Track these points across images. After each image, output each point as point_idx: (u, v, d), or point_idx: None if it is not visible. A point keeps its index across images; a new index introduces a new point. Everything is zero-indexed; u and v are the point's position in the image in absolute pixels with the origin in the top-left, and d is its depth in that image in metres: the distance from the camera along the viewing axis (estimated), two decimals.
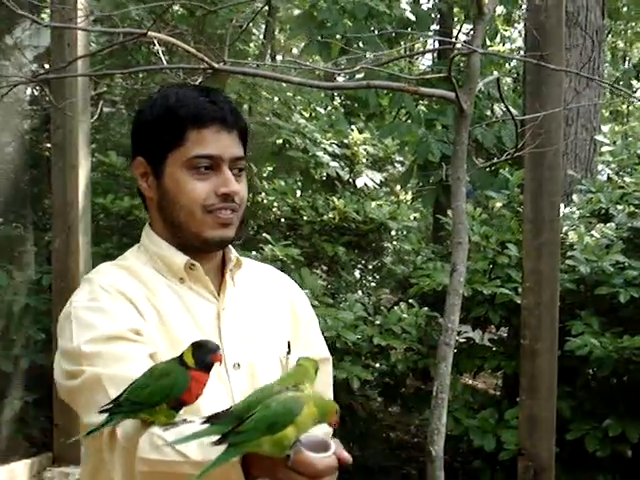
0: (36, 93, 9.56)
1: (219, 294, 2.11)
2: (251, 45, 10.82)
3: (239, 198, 2.07)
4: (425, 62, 14.39)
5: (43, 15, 8.18)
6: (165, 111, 2.07)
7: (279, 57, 13.75)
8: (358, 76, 7.71)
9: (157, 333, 1.99)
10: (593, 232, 6.31)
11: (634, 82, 14.22)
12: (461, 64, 7.81)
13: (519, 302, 5.42)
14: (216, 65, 4.02)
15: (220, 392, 2.00)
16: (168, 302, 2.05)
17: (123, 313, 1.97)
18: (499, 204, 7.24)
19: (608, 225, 6.38)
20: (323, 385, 2.12)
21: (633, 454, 5.76)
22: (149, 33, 3.90)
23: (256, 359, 2.08)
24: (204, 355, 1.75)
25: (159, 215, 2.12)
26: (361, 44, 8.55)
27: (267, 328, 2.14)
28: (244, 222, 2.18)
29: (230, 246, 2.17)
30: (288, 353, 2.14)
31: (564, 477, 5.54)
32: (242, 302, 2.14)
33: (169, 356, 1.89)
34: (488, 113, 8.67)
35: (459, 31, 8.76)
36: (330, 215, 7.57)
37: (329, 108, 9.48)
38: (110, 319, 1.95)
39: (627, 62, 18.67)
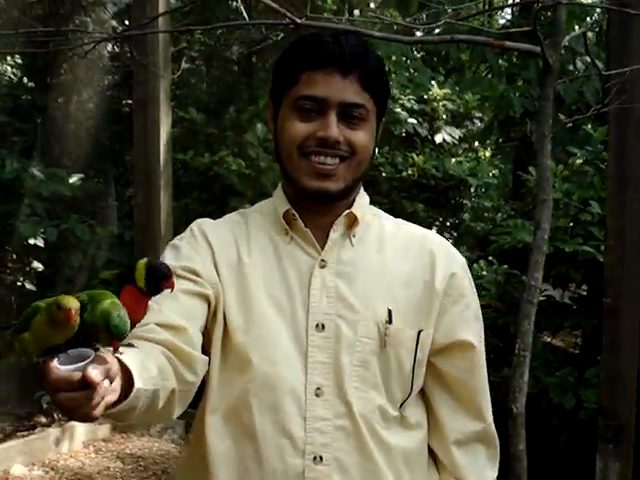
0: (117, 50, 9.65)
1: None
2: (328, 1, 10.79)
3: (349, 145, 1.91)
4: (504, 16, 14.17)
5: None
6: (287, 51, 2.00)
7: (356, 12, 13.65)
8: (437, 31, 7.62)
9: (230, 279, 1.95)
10: None
11: None
12: (543, 18, 7.68)
13: (601, 260, 5.35)
14: (299, 20, 4.01)
15: (292, 352, 1.91)
16: (259, 251, 1.99)
17: (189, 253, 1.96)
18: (580, 161, 7.13)
19: None
20: (461, 371, 2.02)
21: None
22: None
23: (346, 323, 1.92)
24: (157, 279, 1.69)
25: (277, 161, 2.05)
26: None
27: (375, 292, 1.96)
28: (362, 178, 2.01)
29: (360, 201, 2.03)
30: (388, 322, 1.93)
31: None
32: (355, 261, 1.99)
33: (236, 301, 1.92)
34: (570, 68, 8.50)
35: None
36: (409, 171, 7.54)
37: (409, 62, 9.38)
38: (173, 256, 1.96)
39: None
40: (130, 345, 1.67)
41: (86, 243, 7.32)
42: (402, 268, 2.00)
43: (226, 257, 1.98)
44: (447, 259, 2.04)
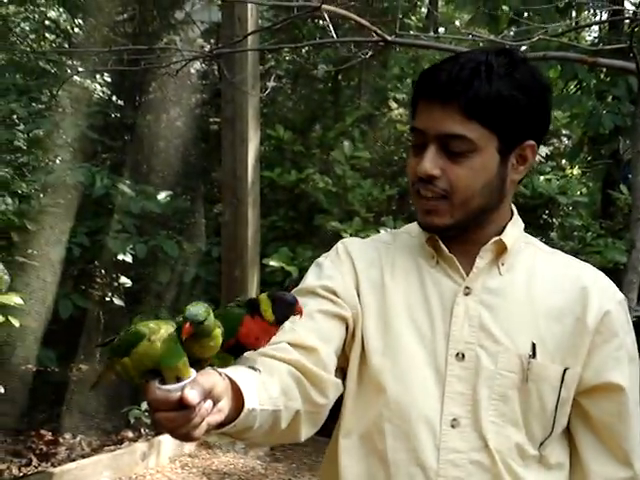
0: (205, 68, 9.76)
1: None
2: (413, 18, 10.78)
3: (446, 182, 1.82)
4: (592, 32, 14.01)
5: None
6: None
7: (441, 29, 13.61)
8: (523, 48, 7.56)
9: (371, 300, 1.93)
10: None
11: None
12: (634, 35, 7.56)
13: None
14: (389, 38, 4.01)
15: (429, 379, 1.87)
16: (403, 274, 1.95)
17: (331, 272, 1.96)
18: None
19: None
20: (608, 414, 1.92)
21: None
22: (323, 7, 3.91)
23: (487, 353, 1.86)
24: (285, 310, 1.68)
25: None
26: (530, 14, 8.37)
27: (520, 324, 1.88)
28: (483, 211, 1.89)
29: (512, 228, 1.94)
30: (532, 356, 1.84)
31: None
32: (502, 290, 1.91)
33: (375, 324, 1.90)
34: None
35: (639, 2, 8.48)
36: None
37: None
38: (316, 274, 1.97)
39: None
40: (253, 368, 1.68)
41: (174, 259, 7.40)
42: (552, 301, 1.91)
43: (369, 278, 1.96)
44: (602, 295, 1.93)
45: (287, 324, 1.78)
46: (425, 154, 1.82)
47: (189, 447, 6.75)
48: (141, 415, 6.71)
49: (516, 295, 1.91)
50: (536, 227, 8.09)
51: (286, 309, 1.69)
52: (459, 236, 1.92)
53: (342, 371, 1.94)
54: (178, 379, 1.46)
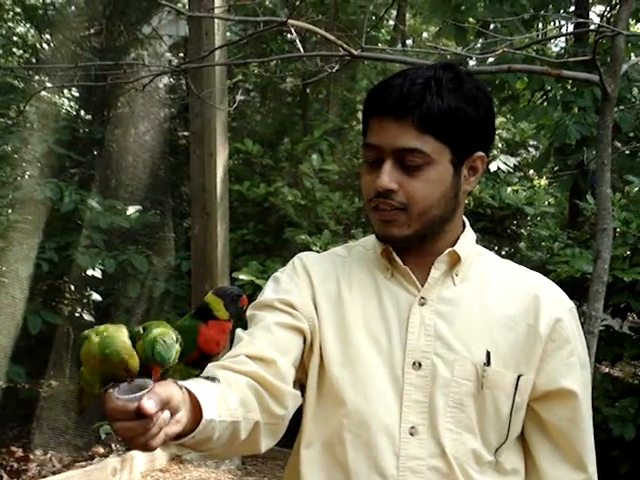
0: (173, 82, 9.76)
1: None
2: (381, 31, 10.83)
3: (404, 195, 1.85)
4: (558, 44, 14.12)
5: (179, 5, 8.35)
6: None
7: (409, 42, 13.69)
8: (490, 60, 7.63)
9: (329, 313, 1.96)
10: None
11: None
12: (598, 47, 7.64)
13: None
14: (355, 52, 4.03)
15: (388, 389, 1.89)
16: (359, 286, 1.98)
17: (287, 286, 1.98)
18: (637, 189, 7.07)
19: None
20: (562, 419, 1.96)
21: None
22: (289, 22, 3.93)
23: (443, 362, 1.89)
24: (234, 303, 1.74)
25: None
26: (496, 27, 8.44)
27: (474, 333, 1.92)
28: (440, 222, 1.92)
29: (464, 239, 1.97)
30: (487, 364, 1.88)
31: None
32: (456, 300, 1.95)
33: (333, 336, 1.93)
34: (627, 96, 8.44)
35: (602, 15, 8.58)
36: (465, 201, 7.52)
37: None
38: (273, 289, 2.00)
39: None
40: (212, 378, 1.70)
41: (143, 274, 7.39)
42: (505, 310, 1.95)
43: (326, 291, 1.99)
44: (553, 303, 1.98)
45: (245, 337, 1.82)
46: (382, 169, 1.85)
47: (160, 462, 6.72)
48: (112, 430, 6.67)
49: (470, 305, 1.95)
50: (504, 238, 8.14)
51: (236, 302, 1.75)
52: (414, 248, 1.95)
53: (300, 383, 1.97)
54: (127, 371, 1.51)
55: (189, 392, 1.59)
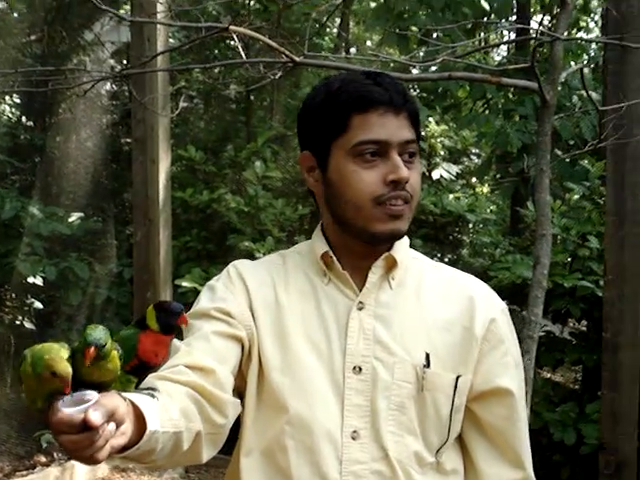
0: (115, 88, 9.70)
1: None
2: (325, 39, 10.86)
3: (410, 187, 1.89)
4: (500, 52, 14.27)
5: (122, 11, 8.30)
6: (327, 97, 1.93)
7: (353, 50, 13.74)
8: (433, 68, 7.69)
9: (266, 319, 1.94)
10: None
11: None
12: (539, 55, 7.74)
13: (600, 295, 5.36)
14: (297, 59, 4.04)
15: (329, 394, 1.89)
16: (297, 292, 1.98)
17: (223, 294, 1.97)
18: (577, 196, 7.15)
19: None
20: (499, 418, 1.98)
21: None
22: (230, 28, 3.93)
23: (383, 365, 1.90)
24: (168, 317, 1.71)
25: (327, 211, 1.98)
26: (439, 35, 8.51)
27: (413, 336, 1.93)
28: (414, 211, 1.96)
29: (399, 244, 1.98)
30: (426, 366, 1.90)
31: None
32: (393, 304, 1.96)
33: (272, 343, 1.92)
34: (567, 104, 8.55)
35: (541, 22, 8.69)
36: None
37: None
38: (209, 297, 1.98)
39: None
40: (151, 389, 1.69)
41: (85, 282, 7.33)
42: (441, 313, 1.97)
43: (263, 298, 1.97)
44: (487, 304, 2.01)
45: (183, 347, 1.81)
46: (395, 161, 1.87)
47: (102, 471, 6.66)
48: (53, 439, 6.60)
49: (407, 308, 1.96)
50: (446, 245, 8.20)
51: (169, 317, 1.70)
52: (355, 252, 1.96)
53: (238, 391, 1.94)
54: (53, 374, 1.47)
55: (132, 403, 1.57)
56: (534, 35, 4.22)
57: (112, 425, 1.45)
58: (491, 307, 2.01)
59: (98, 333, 1.54)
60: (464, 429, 2.00)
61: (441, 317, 1.97)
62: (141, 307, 6.82)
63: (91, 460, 1.46)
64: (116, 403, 1.47)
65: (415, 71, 8.25)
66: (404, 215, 1.90)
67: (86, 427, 1.41)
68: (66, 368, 1.49)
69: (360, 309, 1.94)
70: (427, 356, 1.91)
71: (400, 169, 1.86)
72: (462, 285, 2.04)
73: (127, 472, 6.74)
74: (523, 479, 2.02)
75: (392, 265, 1.97)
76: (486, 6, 8.37)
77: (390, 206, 1.87)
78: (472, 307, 1.98)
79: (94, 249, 8.23)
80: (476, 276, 2.12)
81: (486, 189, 11.21)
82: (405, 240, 2.03)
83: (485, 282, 2.10)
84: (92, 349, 1.52)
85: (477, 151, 10.70)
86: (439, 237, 7.98)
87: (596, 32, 13.75)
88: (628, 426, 4.85)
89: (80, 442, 1.43)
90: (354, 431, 1.88)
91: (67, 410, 1.43)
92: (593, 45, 9.56)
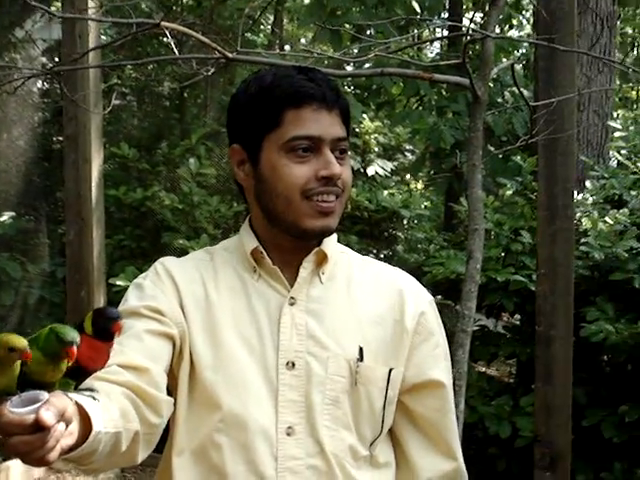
0: (47, 86, 9.58)
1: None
2: (260, 35, 10.84)
3: (342, 182, 1.92)
4: (433, 49, 14.37)
5: (53, 8, 8.20)
6: (260, 92, 1.92)
7: (287, 47, 13.74)
8: (367, 65, 7.71)
9: (197, 317, 1.93)
10: (607, 218, 6.28)
11: None
12: (471, 52, 7.80)
13: (533, 289, 5.41)
14: (230, 55, 4.02)
15: (262, 390, 1.90)
16: (227, 289, 1.97)
17: (152, 292, 1.95)
18: (510, 191, 7.22)
19: (622, 211, 6.34)
20: (431, 410, 2.02)
21: None
22: (162, 23, 3.90)
23: (316, 360, 1.91)
24: (103, 322, 1.68)
25: (257, 205, 1.98)
26: (371, 32, 8.54)
27: (345, 330, 1.95)
28: (344, 207, 2.00)
29: (329, 239, 2.00)
30: (359, 360, 1.92)
31: (580, 464, 5.53)
32: (325, 298, 1.98)
33: (203, 340, 1.91)
34: (499, 100, 8.63)
35: (472, 19, 8.76)
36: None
37: None
38: (137, 296, 1.96)
39: (636, 49, 18.60)
40: (91, 389, 1.67)
41: (18, 281, 7.23)
42: (372, 306, 1.99)
43: (192, 295, 1.96)
44: (416, 297, 2.04)
45: (116, 346, 1.78)
46: (326, 158, 1.89)
47: (38, 472, 6.58)
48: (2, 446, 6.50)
49: (339, 302, 1.98)
50: (381, 241, 8.23)
51: (104, 322, 1.67)
52: (285, 248, 1.97)
53: (168, 389, 1.93)
54: (11, 350, 1.46)
55: (76, 403, 1.55)
56: (465, 32, 4.25)
57: (62, 425, 1.43)
58: (420, 300, 2.05)
59: (73, 332, 1.53)
60: (396, 422, 2.02)
61: (372, 311, 1.98)
62: (74, 307, 6.75)
63: (42, 462, 1.43)
64: (65, 403, 1.45)
65: (349, 68, 8.28)
66: (334, 212, 1.91)
67: (38, 427, 1.38)
68: (22, 341, 1.47)
69: (292, 304, 1.94)
70: (360, 350, 1.93)
71: (332, 165, 1.87)
72: (391, 279, 2.07)
73: (62, 473, 6.67)
74: (454, 469, 2.06)
75: (322, 260, 1.99)
76: (416, 7, 8.41)
77: (320, 202, 1.89)
78: (402, 300, 2.01)
79: (26, 248, 8.11)
80: (411, 272, 2.14)
81: (420, 185, 11.29)
82: (334, 235, 2.03)
83: (419, 277, 2.14)
84: (74, 348, 1.51)
85: (411, 147, 10.76)
86: (374, 233, 8.01)
87: (528, 29, 13.91)
88: (562, 419, 4.89)
89: (32, 443, 1.40)
90: (289, 427, 1.88)
91: (17, 410, 1.40)
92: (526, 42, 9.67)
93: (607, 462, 5.75)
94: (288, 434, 1.88)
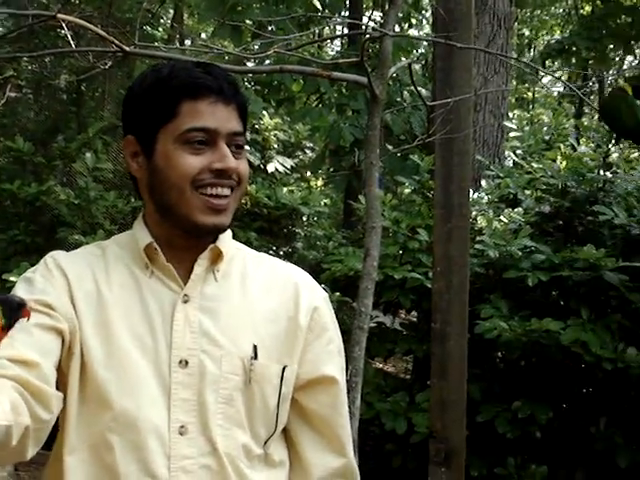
0: None
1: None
2: (159, 29, 10.75)
3: (237, 176, 1.90)
4: (334, 48, 14.44)
5: None
6: (156, 83, 1.90)
7: (187, 42, 13.65)
8: (267, 62, 7.71)
9: (88, 312, 1.88)
10: (501, 217, 6.40)
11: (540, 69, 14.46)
12: (371, 50, 7.86)
13: (429, 286, 5.47)
14: (127, 48, 3.98)
15: (155, 389, 1.86)
16: (119, 285, 1.93)
17: (42, 286, 1.89)
18: (408, 190, 7.30)
19: (516, 210, 6.47)
20: (324, 406, 2.00)
21: (542, 435, 5.87)
22: (58, 15, 3.84)
23: (210, 358, 1.89)
24: (15, 312, 1.67)
25: (150, 200, 1.95)
26: (272, 29, 8.53)
27: (239, 328, 1.93)
28: (238, 203, 1.98)
29: (224, 235, 1.98)
30: (254, 358, 1.90)
31: (475, 459, 5.63)
32: (219, 296, 1.95)
33: (95, 336, 1.86)
34: (398, 99, 8.72)
35: (370, 17, 8.83)
36: (242, 200, 7.55)
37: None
38: (26, 289, 1.89)
39: (533, 50, 18.99)
40: None
41: None
42: (266, 303, 1.97)
43: (84, 290, 1.91)
44: (310, 293, 2.02)
45: (5, 340, 1.74)
46: (221, 151, 1.87)
47: None
48: None
49: (233, 300, 1.95)
50: (281, 237, 8.23)
51: (16, 311, 1.67)
52: (179, 245, 1.94)
53: (57, 386, 1.87)
54: None
55: None
56: (364, 30, 4.28)
57: None
58: (314, 296, 2.03)
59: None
60: (290, 420, 2.01)
61: (266, 307, 1.97)
62: None
63: None
64: None
65: (250, 64, 8.27)
66: (227, 209, 1.89)
67: None
68: None
69: (185, 302, 1.91)
70: (254, 348, 1.91)
71: (227, 158, 1.86)
72: (285, 275, 2.05)
73: None
74: (344, 465, 2.04)
75: (217, 257, 1.96)
76: (317, 4, 8.44)
77: (211, 198, 1.87)
78: (296, 296, 2.00)
79: None
80: (310, 269, 2.15)
81: (320, 183, 11.33)
82: (228, 231, 2.01)
83: (318, 274, 2.14)
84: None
85: (311, 145, 10.80)
86: (273, 230, 8.01)
87: (427, 29, 14.08)
88: (457, 414, 4.95)
89: None
90: (182, 426, 1.85)
91: None
92: (425, 42, 9.78)
93: (501, 457, 5.87)
94: (181, 433, 1.85)
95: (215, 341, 1.90)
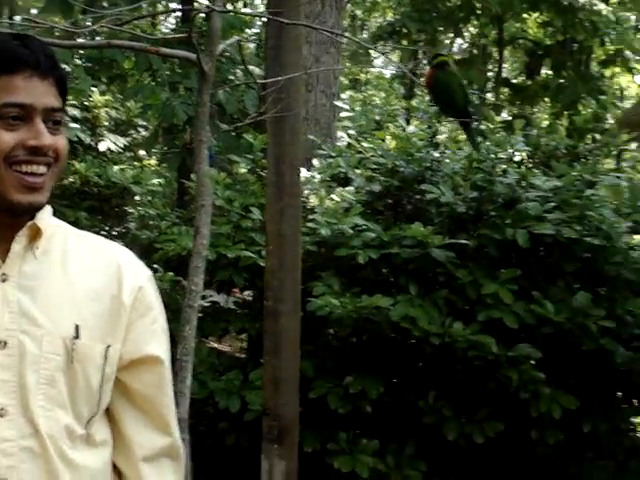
0: None
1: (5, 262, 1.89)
2: None
3: (55, 153, 1.85)
4: (169, 25, 14.30)
5: None
6: None
7: (17, 18, 13.27)
8: (98, 38, 7.58)
9: None
10: (333, 196, 6.45)
11: (372, 52, 14.72)
12: (204, 28, 7.80)
13: (263, 265, 5.49)
14: None
15: None
16: None
17: None
18: (243, 169, 7.29)
19: (347, 189, 6.54)
20: (149, 386, 2.01)
21: (373, 410, 5.95)
22: None
23: (30, 339, 1.85)
24: None
25: None
26: (105, 5, 8.38)
27: (60, 307, 1.89)
28: (56, 180, 1.94)
29: (43, 212, 1.93)
30: (75, 337, 1.87)
31: (308, 435, 5.68)
32: (39, 274, 1.91)
33: None
34: (231, 77, 8.69)
35: None
36: (71, 179, 7.41)
37: (69, 68, 9.23)
38: None
39: (366, 31, 19.24)
40: None
41: None
42: (89, 282, 1.94)
43: None
44: (134, 272, 2.01)
45: None
46: (37, 127, 1.82)
47: None
48: None
49: (54, 278, 1.92)
50: (113, 217, 8.13)
51: None
52: (3, 221, 1.87)
53: None
54: None
55: None
56: (192, 6, 4.25)
57: None
58: (138, 275, 2.02)
59: None
60: (113, 399, 2.00)
61: (89, 286, 1.94)
62: None
63: None
64: None
65: (81, 40, 8.09)
66: (43, 187, 1.85)
67: None
68: None
69: (4, 281, 1.87)
70: (77, 327, 1.88)
71: (42, 135, 1.82)
72: (108, 253, 2.03)
73: None
74: (170, 444, 2.06)
75: (36, 234, 1.91)
76: None
77: (26, 176, 1.82)
78: (120, 275, 1.98)
79: None
80: (143, 249, 2.13)
81: (153, 161, 11.20)
82: (48, 208, 1.97)
83: (151, 254, 2.12)
84: None
85: (145, 123, 10.68)
86: (104, 209, 7.91)
87: (262, 8, 14.08)
88: (290, 391, 4.99)
89: None
90: (1, 408, 1.81)
91: None
92: (259, 22, 9.78)
93: (333, 432, 5.94)
94: (1, 415, 1.81)
95: (34, 320, 1.86)
